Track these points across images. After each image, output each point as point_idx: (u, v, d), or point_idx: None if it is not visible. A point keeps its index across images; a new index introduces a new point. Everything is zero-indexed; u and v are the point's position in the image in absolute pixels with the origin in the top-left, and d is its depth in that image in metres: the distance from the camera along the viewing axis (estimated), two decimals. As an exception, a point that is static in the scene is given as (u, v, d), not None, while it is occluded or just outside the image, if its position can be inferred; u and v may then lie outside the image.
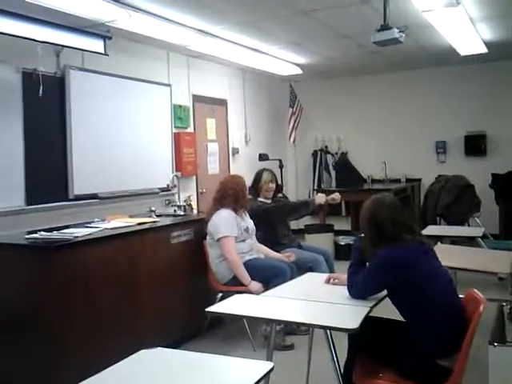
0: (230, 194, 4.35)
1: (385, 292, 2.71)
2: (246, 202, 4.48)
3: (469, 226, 7.16)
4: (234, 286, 4.16)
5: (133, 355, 2.02)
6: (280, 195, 5.60)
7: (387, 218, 2.64)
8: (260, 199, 4.90)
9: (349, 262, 2.91)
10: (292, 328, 4.22)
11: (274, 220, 4.81)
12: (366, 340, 2.66)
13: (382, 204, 2.71)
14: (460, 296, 2.69)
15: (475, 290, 2.57)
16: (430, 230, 5.23)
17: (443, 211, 7.39)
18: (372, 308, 2.62)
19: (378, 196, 2.79)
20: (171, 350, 2.12)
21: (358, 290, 2.74)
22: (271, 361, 2.61)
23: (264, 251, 4.53)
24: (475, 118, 8.31)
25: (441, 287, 2.55)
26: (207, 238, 4.37)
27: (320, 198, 4.84)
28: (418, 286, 2.52)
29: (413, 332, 2.52)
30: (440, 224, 7.42)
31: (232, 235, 4.22)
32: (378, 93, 9.02)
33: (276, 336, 4.02)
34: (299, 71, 7.94)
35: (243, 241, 4.35)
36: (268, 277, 4.08)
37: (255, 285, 4.09)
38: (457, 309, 2.55)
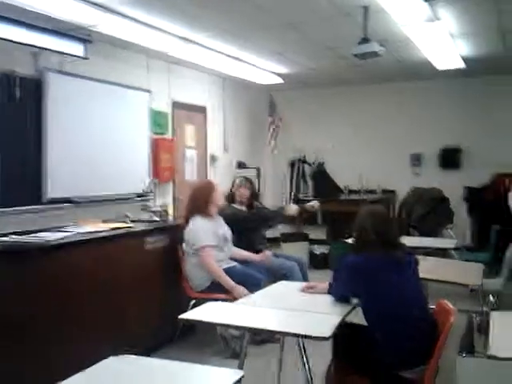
0: (199, 200, 4.34)
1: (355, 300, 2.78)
2: (213, 205, 4.42)
3: (442, 237, 7.25)
4: (210, 293, 4.14)
5: (99, 363, 1.98)
6: (257, 203, 5.60)
7: (371, 228, 2.77)
8: (235, 205, 4.91)
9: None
10: (267, 336, 4.21)
11: (247, 228, 4.81)
12: (342, 346, 2.70)
13: (371, 215, 2.85)
14: (431, 307, 2.73)
15: (446, 301, 2.60)
16: (404, 241, 5.27)
17: (417, 222, 7.48)
18: (345, 316, 2.64)
19: (370, 207, 2.98)
20: (138, 357, 2.09)
21: (332, 292, 2.92)
22: (242, 369, 2.61)
23: (239, 253, 4.52)
24: (451, 131, 8.44)
25: (404, 297, 2.60)
26: (183, 245, 4.35)
27: (291, 210, 4.87)
28: (376, 293, 2.60)
29: (374, 339, 2.57)
30: (413, 235, 7.49)
31: (211, 244, 4.21)
32: (356, 104, 9.11)
33: (235, 342, 4.04)
34: (280, 80, 7.99)
35: (221, 249, 4.33)
36: (244, 286, 4.05)
37: (239, 288, 4.05)
38: (424, 320, 2.59)
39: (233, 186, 5.00)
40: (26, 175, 4.99)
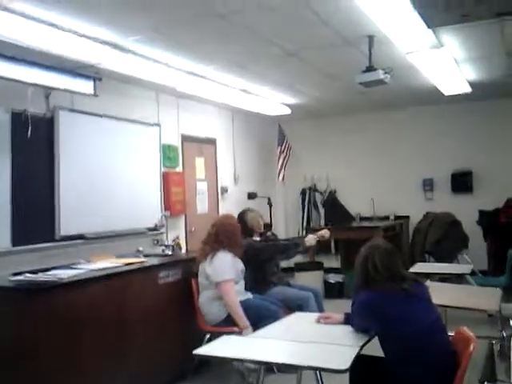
0: (227, 236, 4.31)
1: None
2: (241, 244, 4.45)
3: (457, 262, 7.17)
4: (225, 327, 4.09)
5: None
6: (269, 233, 5.59)
7: (377, 263, 2.77)
8: (253, 238, 4.91)
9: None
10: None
11: (263, 259, 4.78)
12: (359, 379, 2.66)
13: (375, 250, 2.85)
14: (450, 334, 2.68)
15: (465, 329, 2.56)
16: (419, 267, 5.22)
17: (431, 248, 7.41)
18: (362, 347, 2.60)
19: (374, 242, 2.95)
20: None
21: (352, 324, 2.90)
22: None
23: None
24: (461, 155, 8.41)
25: (421, 328, 2.56)
26: (199, 278, 4.32)
27: (310, 241, 4.83)
28: (391, 327, 2.59)
29: (393, 372, 2.53)
30: (429, 261, 7.42)
31: (232, 278, 4.19)
32: (366, 132, 9.13)
33: (252, 375, 3.97)
34: (288, 111, 8.05)
35: (237, 282, 4.31)
36: (260, 318, 4.01)
37: (249, 329, 3.97)
38: (443, 349, 2.54)
39: (243, 221, 4.95)
40: (39, 213, 5.02)
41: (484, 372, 2.68)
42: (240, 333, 3.81)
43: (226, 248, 4.28)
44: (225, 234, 4.32)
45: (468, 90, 7.00)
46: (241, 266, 4.38)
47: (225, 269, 4.19)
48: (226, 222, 4.51)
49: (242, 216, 5.02)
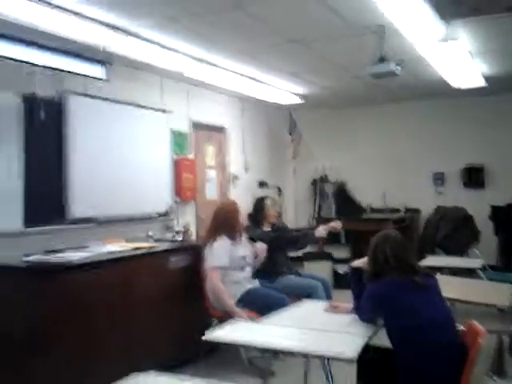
0: (223, 222, 4.33)
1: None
2: (240, 227, 4.43)
3: (468, 256, 7.13)
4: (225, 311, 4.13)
5: (126, 378, 1.99)
6: (281, 224, 5.58)
7: (387, 254, 2.77)
8: (262, 227, 4.90)
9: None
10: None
11: (273, 249, 4.76)
12: (367, 370, 2.66)
13: (386, 240, 2.84)
14: (459, 328, 2.66)
15: (475, 322, 2.54)
16: (429, 261, 5.20)
17: (442, 242, 7.38)
18: (371, 337, 2.59)
19: (386, 232, 2.94)
20: (164, 373, 2.09)
21: (359, 316, 2.90)
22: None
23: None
24: (473, 150, 8.33)
25: (430, 321, 2.55)
26: (205, 264, 4.34)
27: (320, 232, 4.80)
28: (399, 319, 2.58)
29: (400, 363, 2.52)
30: (439, 254, 7.38)
31: (219, 265, 4.18)
32: (377, 123, 9.07)
33: (259, 360, 3.98)
34: (298, 101, 8.00)
35: (241, 269, 4.31)
36: (267, 306, 4.02)
37: (238, 312, 4.00)
38: (451, 342, 2.53)
39: (259, 208, 4.96)
40: (50, 195, 5.04)
41: (493, 366, 2.66)
42: (249, 319, 3.82)
43: (223, 234, 4.29)
44: (222, 220, 4.35)
45: (482, 83, 6.90)
46: (244, 252, 4.37)
47: (216, 256, 4.20)
48: (223, 207, 4.53)
49: (260, 202, 5.01)
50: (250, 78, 6.66)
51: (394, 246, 2.79)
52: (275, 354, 3.93)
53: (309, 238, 4.89)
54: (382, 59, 4.87)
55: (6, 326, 3.38)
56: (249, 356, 4.12)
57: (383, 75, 4.97)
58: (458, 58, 5.60)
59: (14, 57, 4.35)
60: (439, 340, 2.50)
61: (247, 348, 4.03)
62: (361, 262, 2.97)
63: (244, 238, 4.53)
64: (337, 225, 4.85)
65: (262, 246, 4.58)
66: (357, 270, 3.02)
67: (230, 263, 4.22)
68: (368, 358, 2.53)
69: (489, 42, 5.38)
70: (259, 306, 4.06)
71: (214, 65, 5.94)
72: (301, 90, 7.58)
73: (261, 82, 6.91)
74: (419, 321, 2.54)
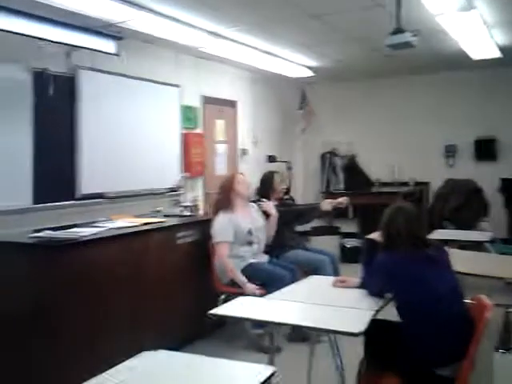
0: (221, 195, 4.39)
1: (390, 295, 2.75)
2: (237, 198, 4.41)
3: (477, 230, 7.10)
4: (232, 287, 4.19)
5: (135, 357, 2.01)
6: (287, 197, 5.57)
7: (400, 226, 2.75)
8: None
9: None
10: (304, 333, 4.13)
11: (280, 223, 4.78)
12: (374, 344, 2.68)
13: (399, 212, 2.82)
14: (467, 301, 2.67)
15: (483, 296, 2.54)
16: (438, 234, 5.18)
17: (451, 215, 7.34)
18: (378, 311, 2.60)
19: (399, 204, 2.92)
20: (173, 352, 2.11)
21: (368, 288, 2.92)
22: (273, 364, 2.60)
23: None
24: (486, 122, 8.23)
25: (439, 294, 2.55)
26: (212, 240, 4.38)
27: (326, 205, 4.80)
28: (409, 291, 2.58)
29: (408, 337, 2.53)
30: (447, 228, 7.36)
31: (225, 241, 4.22)
32: (388, 96, 8.98)
33: (262, 338, 4.02)
34: (310, 74, 7.92)
35: (249, 244, 4.34)
36: (267, 282, 4.07)
37: (249, 286, 4.07)
38: (459, 316, 2.54)
39: (267, 182, 4.96)
40: (60, 171, 5.07)
41: (499, 340, 2.67)
42: (255, 294, 3.85)
43: (224, 209, 4.31)
44: (222, 196, 4.38)
45: (497, 54, 6.78)
46: (248, 225, 4.36)
47: (217, 230, 4.25)
48: (224, 183, 4.53)
49: (269, 176, 5.01)
50: (262, 51, 6.60)
51: (407, 219, 2.77)
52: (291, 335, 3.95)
53: (315, 212, 4.88)
54: (399, 30, 4.80)
55: (15, 302, 3.41)
56: (256, 332, 4.15)
57: (400, 46, 4.89)
58: (474, 29, 5.50)
59: (25, 32, 4.32)
60: (447, 313, 2.51)
61: (253, 325, 4.09)
62: (376, 235, 2.96)
63: (254, 210, 4.53)
64: (344, 200, 4.83)
65: (268, 204, 4.61)
66: (371, 241, 3.02)
67: (234, 238, 4.25)
68: (375, 331, 2.54)
69: (505, 12, 5.26)
70: (259, 280, 4.11)
71: (226, 37, 5.88)
72: (313, 62, 7.50)
73: (273, 54, 6.84)
74: (428, 293, 2.54)
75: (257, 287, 4.05)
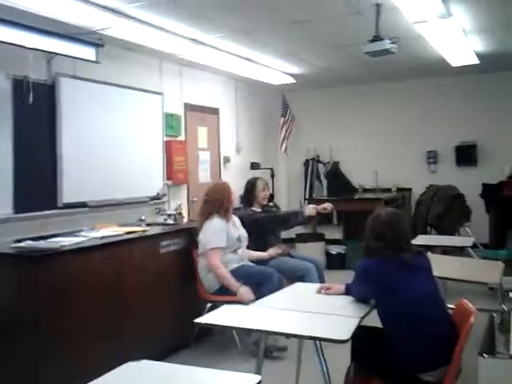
0: (215, 202, 4.33)
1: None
2: (230, 208, 4.42)
3: (459, 235, 7.17)
4: (221, 295, 4.15)
5: (119, 368, 1.97)
6: (271, 204, 5.58)
7: (380, 232, 2.77)
8: (253, 208, 4.91)
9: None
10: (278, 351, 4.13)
11: (263, 230, 4.78)
12: (361, 350, 2.68)
13: (375, 220, 2.85)
14: (450, 306, 2.68)
15: (466, 301, 2.56)
16: (421, 240, 5.21)
17: (434, 221, 7.40)
18: (362, 318, 2.60)
19: (376, 212, 2.92)
20: (157, 362, 2.08)
21: (352, 293, 2.93)
22: (260, 373, 2.58)
23: (248, 255, 4.51)
24: (466, 128, 8.33)
25: (419, 299, 2.56)
26: (198, 247, 4.34)
27: (309, 210, 4.81)
28: (388, 296, 2.59)
29: (391, 342, 2.54)
30: (430, 233, 7.42)
31: (219, 247, 4.19)
32: (370, 103, 9.04)
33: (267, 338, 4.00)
34: (292, 80, 7.95)
35: (235, 251, 4.33)
36: (256, 282, 4.07)
37: (244, 289, 4.04)
38: (441, 320, 2.55)
39: (250, 188, 4.96)
40: (41, 180, 5.01)
41: (484, 344, 2.68)
42: (241, 302, 3.83)
43: (215, 215, 4.29)
44: (212, 202, 4.35)
45: (476, 61, 6.89)
46: (238, 233, 4.39)
47: (213, 236, 4.21)
48: (213, 189, 4.52)
49: (252, 183, 5.01)
50: (244, 58, 6.61)
51: (382, 226, 2.79)
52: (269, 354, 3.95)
53: (298, 216, 4.89)
54: (378, 37, 4.85)
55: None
56: (253, 340, 4.12)
57: (379, 53, 4.95)
58: (452, 36, 5.59)
59: (5, 40, 4.27)
60: (427, 318, 2.51)
61: (243, 332, 4.05)
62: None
63: (236, 219, 4.53)
64: (327, 206, 4.84)
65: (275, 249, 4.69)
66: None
67: (226, 244, 4.24)
68: (361, 337, 2.54)
69: (483, 20, 5.35)
70: (247, 283, 4.09)
71: (207, 45, 5.87)
72: (294, 69, 7.54)
73: (255, 61, 6.85)
74: (406, 299, 2.54)
75: (249, 289, 4.03)
